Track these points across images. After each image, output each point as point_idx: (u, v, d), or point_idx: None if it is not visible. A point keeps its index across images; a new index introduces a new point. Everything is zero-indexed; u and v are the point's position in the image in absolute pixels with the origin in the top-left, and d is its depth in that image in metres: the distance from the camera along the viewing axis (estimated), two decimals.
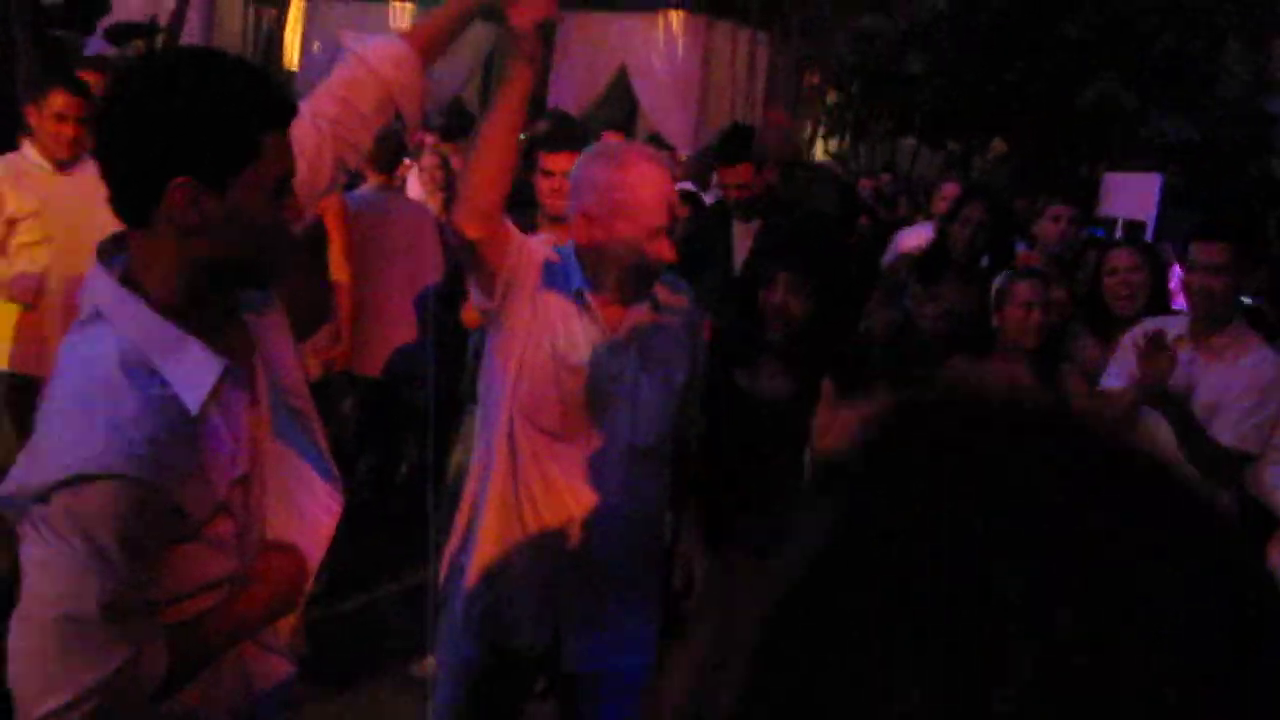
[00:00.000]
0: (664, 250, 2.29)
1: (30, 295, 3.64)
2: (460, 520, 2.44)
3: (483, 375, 2.41)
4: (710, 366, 2.62)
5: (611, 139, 5.35)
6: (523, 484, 2.32)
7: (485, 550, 2.35)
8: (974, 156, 15.26)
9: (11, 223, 3.67)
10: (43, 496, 1.35)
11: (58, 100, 3.67)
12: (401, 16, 15.94)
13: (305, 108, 1.75)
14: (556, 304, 2.30)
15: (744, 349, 2.99)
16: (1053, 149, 10.16)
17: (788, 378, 2.89)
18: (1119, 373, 3.41)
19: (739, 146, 4.31)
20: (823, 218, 4.41)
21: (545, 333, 2.29)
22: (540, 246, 2.37)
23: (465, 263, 2.31)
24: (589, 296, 2.31)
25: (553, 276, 2.32)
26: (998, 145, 13.42)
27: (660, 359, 2.40)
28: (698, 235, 4.54)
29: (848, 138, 16.34)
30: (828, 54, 13.77)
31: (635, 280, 2.34)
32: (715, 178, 4.58)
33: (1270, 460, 3.18)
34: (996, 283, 3.62)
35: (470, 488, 2.43)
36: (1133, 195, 8.32)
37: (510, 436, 2.31)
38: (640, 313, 2.38)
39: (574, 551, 2.34)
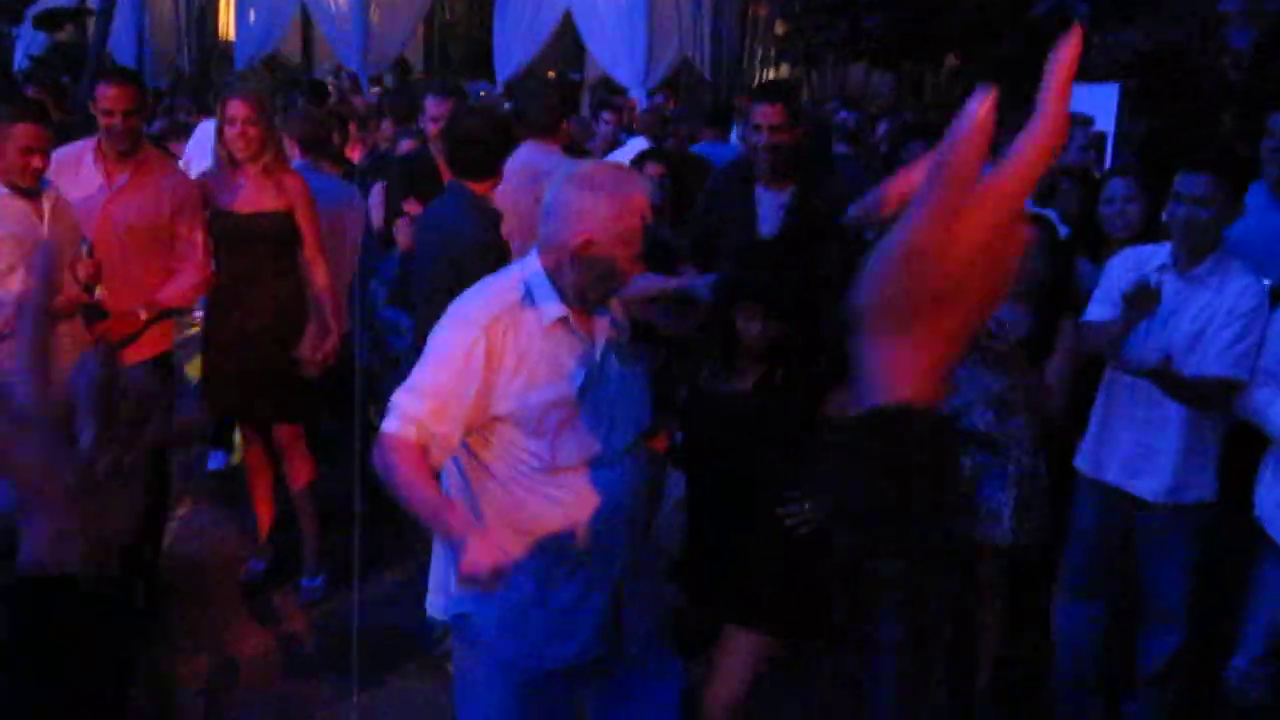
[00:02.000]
0: (639, 266, 2.39)
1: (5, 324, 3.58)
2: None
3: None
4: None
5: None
6: (533, 517, 2.39)
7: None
8: (925, 76, 15.15)
9: None
10: None
11: (24, 133, 3.58)
12: None
13: None
14: (536, 347, 2.34)
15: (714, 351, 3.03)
16: (1007, 63, 10.12)
17: (751, 373, 2.92)
18: (1103, 297, 3.47)
19: (775, 85, 4.05)
20: (790, 234, 3.91)
21: (533, 385, 2.34)
22: (496, 309, 2.36)
23: None
24: (571, 316, 2.38)
25: (521, 322, 2.34)
26: (951, 62, 13.36)
27: (630, 351, 2.52)
28: (716, 202, 4.15)
29: (799, 64, 16.22)
30: None
31: (612, 293, 2.44)
32: (745, 118, 4.17)
33: (1257, 384, 3.24)
34: None
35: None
36: (1092, 106, 8.32)
37: (512, 480, 2.38)
38: (605, 318, 2.48)
39: (605, 554, 2.44)
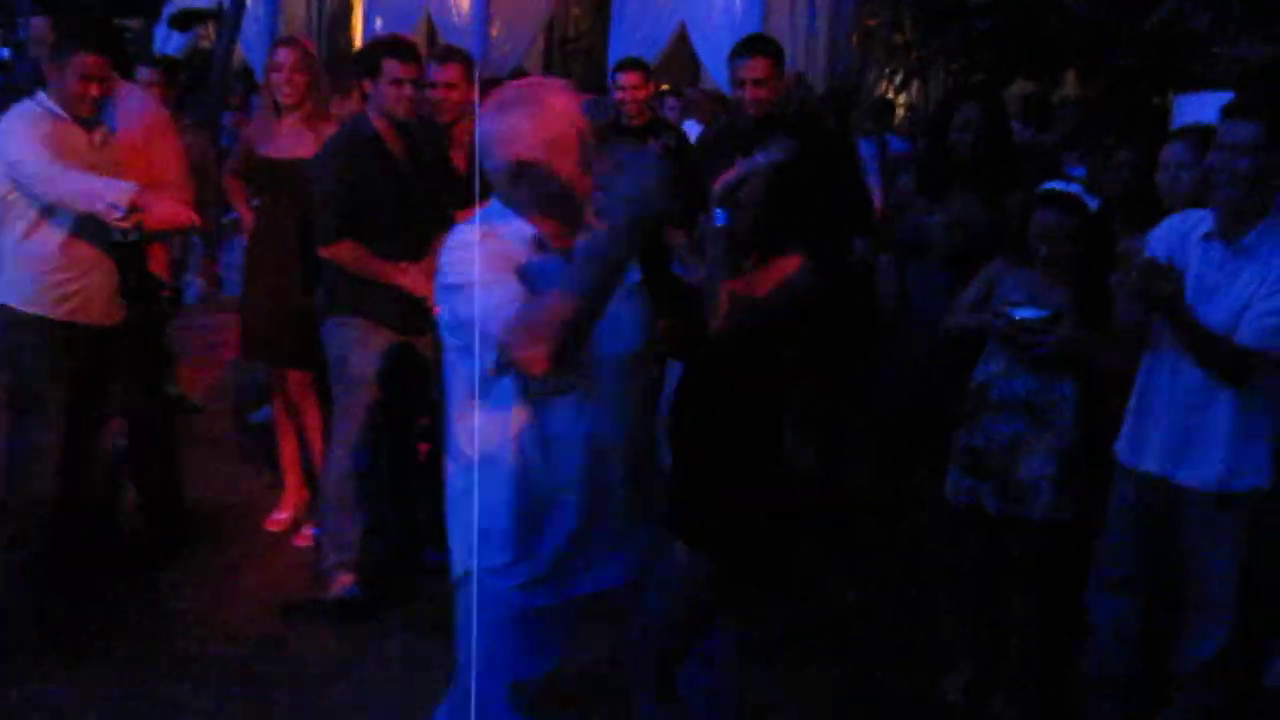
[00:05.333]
0: (587, 177, 2.28)
1: None
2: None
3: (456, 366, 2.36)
4: None
5: (631, 80, 5.24)
6: (531, 444, 2.32)
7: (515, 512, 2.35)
8: (1050, 99, 14.66)
9: None
10: None
11: (84, 61, 3.64)
12: None
13: None
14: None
15: None
16: (1123, 78, 9.73)
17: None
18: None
19: (758, 40, 4.11)
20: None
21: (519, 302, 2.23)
22: (476, 232, 2.29)
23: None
24: (547, 237, 2.31)
25: (503, 243, 2.27)
26: (1070, 86, 12.94)
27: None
28: (708, 160, 4.23)
29: (917, 86, 15.91)
30: None
31: (575, 213, 2.32)
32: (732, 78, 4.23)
33: None
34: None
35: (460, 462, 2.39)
36: (1205, 117, 7.89)
37: (509, 403, 2.30)
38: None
39: (599, 484, 2.37)
